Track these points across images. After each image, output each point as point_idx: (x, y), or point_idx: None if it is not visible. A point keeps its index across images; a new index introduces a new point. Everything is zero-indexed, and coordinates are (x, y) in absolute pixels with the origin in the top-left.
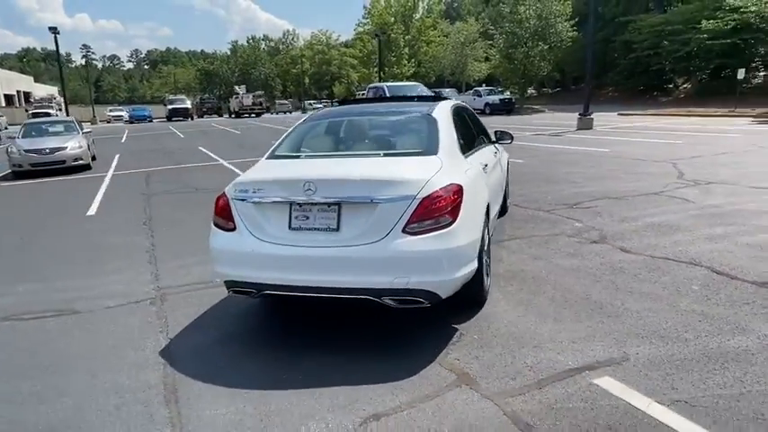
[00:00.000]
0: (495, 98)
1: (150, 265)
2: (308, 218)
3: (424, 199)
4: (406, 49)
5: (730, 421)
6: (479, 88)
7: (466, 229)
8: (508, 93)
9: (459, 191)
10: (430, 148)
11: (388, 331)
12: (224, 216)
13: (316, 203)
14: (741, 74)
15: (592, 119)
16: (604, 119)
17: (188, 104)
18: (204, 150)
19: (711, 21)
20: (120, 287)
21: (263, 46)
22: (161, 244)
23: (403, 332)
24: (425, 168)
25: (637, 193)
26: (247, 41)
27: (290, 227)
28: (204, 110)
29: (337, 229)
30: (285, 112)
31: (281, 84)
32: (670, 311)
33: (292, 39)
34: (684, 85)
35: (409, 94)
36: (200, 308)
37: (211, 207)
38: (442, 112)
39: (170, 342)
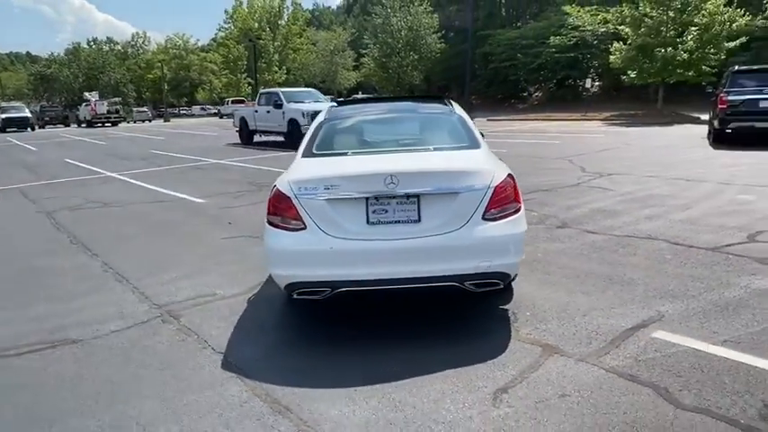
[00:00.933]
0: None
1: (123, 285)
2: (386, 211)
3: (497, 187)
4: (276, 56)
5: None
6: (357, 96)
7: (524, 215)
8: None
9: (514, 179)
10: (472, 142)
11: (449, 320)
12: (288, 215)
13: (395, 196)
14: (588, 83)
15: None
16: (479, 124)
17: (27, 113)
18: (76, 162)
19: (558, 37)
20: (108, 310)
21: (106, 48)
22: (114, 263)
23: (463, 319)
24: (484, 160)
25: (561, 185)
26: (88, 44)
27: (368, 221)
28: (46, 119)
29: (418, 221)
30: (144, 121)
31: (134, 90)
32: (664, 276)
33: (143, 42)
34: (536, 94)
35: (307, 100)
36: (229, 320)
37: (139, 221)
38: (462, 111)
39: (224, 355)
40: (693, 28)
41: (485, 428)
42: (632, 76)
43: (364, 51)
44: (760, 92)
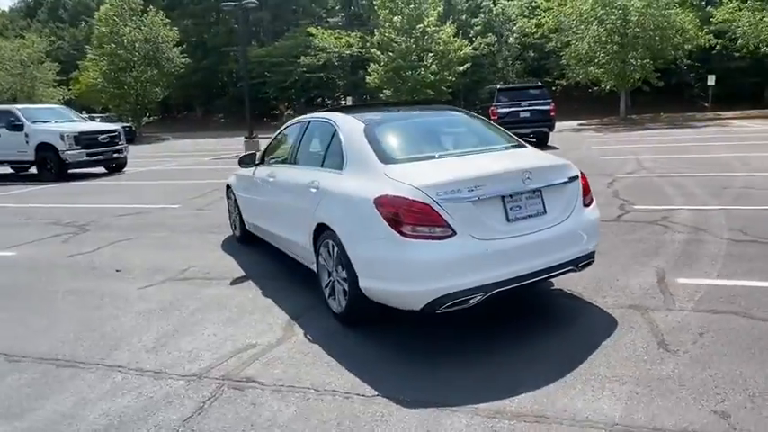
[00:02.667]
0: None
1: (105, 370)
2: (520, 207)
3: (583, 177)
4: None
5: None
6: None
7: None
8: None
9: None
10: (520, 141)
11: (535, 307)
12: (430, 223)
13: (524, 192)
14: (350, 101)
15: (258, 141)
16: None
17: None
18: None
19: (308, 57)
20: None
21: None
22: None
23: (542, 303)
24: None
25: None
26: None
27: (507, 219)
28: None
29: (545, 213)
30: None
31: None
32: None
33: None
34: (288, 112)
35: (55, 120)
36: (321, 364)
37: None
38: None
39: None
40: (431, 54)
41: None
42: (389, 94)
43: (80, 63)
44: (518, 105)
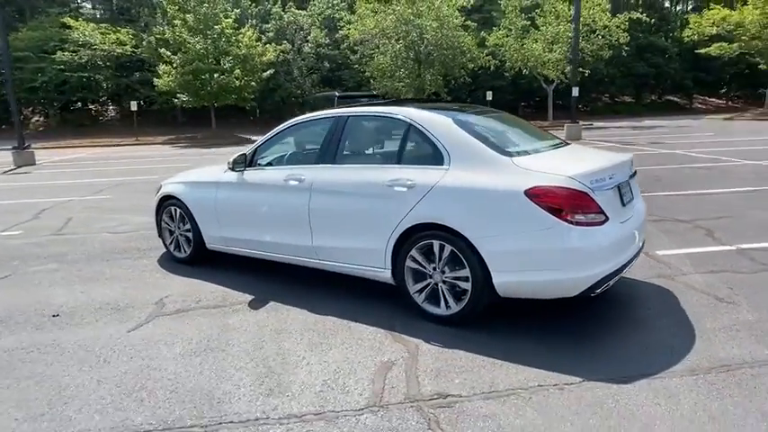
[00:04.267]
0: None
1: None
2: (625, 193)
3: None
4: None
5: None
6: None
7: None
8: None
9: None
10: (563, 140)
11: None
12: (590, 210)
13: (628, 180)
14: (134, 105)
15: (33, 152)
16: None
17: None
18: None
19: (67, 53)
20: None
21: None
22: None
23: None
24: None
25: None
26: None
27: (622, 203)
28: None
29: (633, 198)
30: None
31: None
32: None
33: None
34: (36, 118)
35: None
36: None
37: None
38: None
39: None
40: (229, 57)
41: None
42: (185, 99)
43: None
44: None
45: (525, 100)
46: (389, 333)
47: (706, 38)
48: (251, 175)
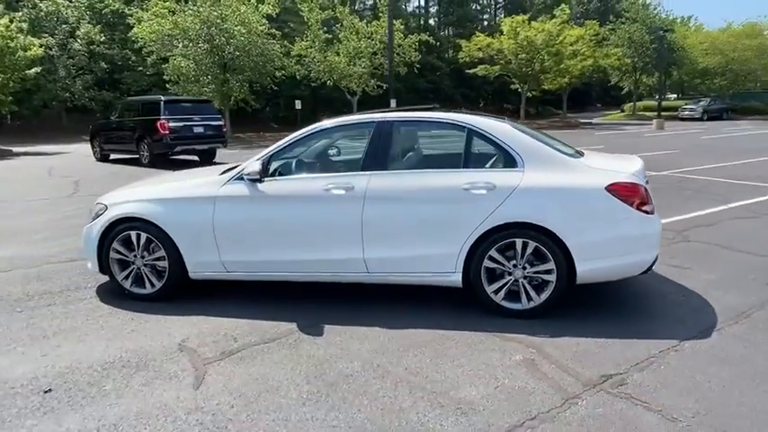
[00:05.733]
0: None
1: None
2: None
3: None
4: None
5: None
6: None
7: None
8: None
9: None
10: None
11: None
12: (648, 202)
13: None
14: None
15: None
16: None
17: None
18: None
19: None
20: None
21: None
22: None
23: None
24: None
25: None
26: None
27: None
28: None
29: None
30: None
31: None
32: None
33: None
34: None
35: None
36: None
37: None
38: None
39: None
40: None
41: None
42: None
43: None
44: (191, 119)
45: (324, 110)
46: (491, 335)
47: (476, 60)
48: (271, 186)
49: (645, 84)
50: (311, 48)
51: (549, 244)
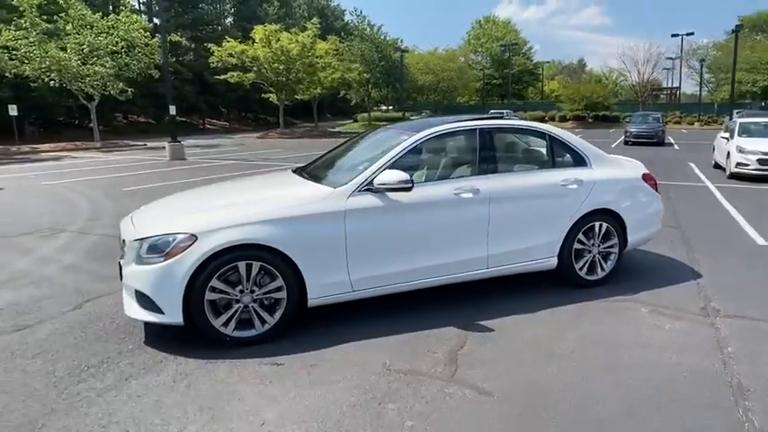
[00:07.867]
0: None
1: None
2: None
3: None
4: None
5: None
6: None
7: None
8: None
9: None
10: None
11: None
12: (657, 186)
13: None
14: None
15: None
16: None
17: None
18: None
19: None
20: None
21: None
22: None
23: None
24: None
25: None
26: None
27: None
28: None
29: None
30: None
31: None
32: None
33: None
34: None
35: None
36: None
37: None
38: None
39: None
40: None
41: None
42: None
43: None
44: None
45: (31, 117)
46: (608, 300)
47: (229, 66)
48: (405, 194)
49: (373, 98)
50: (26, 38)
51: (614, 223)
